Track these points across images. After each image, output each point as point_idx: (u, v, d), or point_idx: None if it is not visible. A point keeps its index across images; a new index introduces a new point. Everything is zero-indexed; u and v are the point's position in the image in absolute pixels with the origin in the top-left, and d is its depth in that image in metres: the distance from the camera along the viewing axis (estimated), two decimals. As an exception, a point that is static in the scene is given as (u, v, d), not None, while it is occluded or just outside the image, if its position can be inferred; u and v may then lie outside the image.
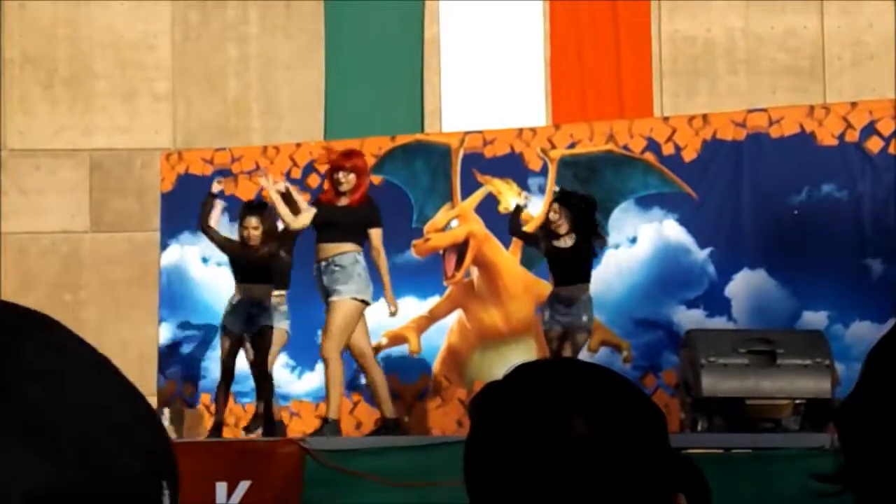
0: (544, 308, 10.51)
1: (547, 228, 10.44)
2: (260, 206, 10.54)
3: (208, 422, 11.90)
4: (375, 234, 9.56)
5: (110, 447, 0.88)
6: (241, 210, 10.54)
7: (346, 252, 9.42)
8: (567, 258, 10.28)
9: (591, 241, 10.31)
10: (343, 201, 9.61)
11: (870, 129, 11.35)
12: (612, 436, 1.36)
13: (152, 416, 0.93)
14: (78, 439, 0.86)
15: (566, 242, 10.32)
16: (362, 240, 9.53)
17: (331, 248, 9.43)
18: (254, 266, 10.27)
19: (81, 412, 0.88)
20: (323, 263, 9.45)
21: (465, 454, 1.40)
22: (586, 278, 10.32)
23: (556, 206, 10.43)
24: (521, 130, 12.23)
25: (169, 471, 0.92)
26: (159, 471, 0.91)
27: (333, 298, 9.34)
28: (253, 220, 10.36)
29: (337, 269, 9.36)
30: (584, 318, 10.21)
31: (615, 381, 1.42)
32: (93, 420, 0.88)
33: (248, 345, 10.37)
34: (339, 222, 9.50)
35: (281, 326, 10.70)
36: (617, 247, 11.61)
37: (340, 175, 9.57)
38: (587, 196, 10.55)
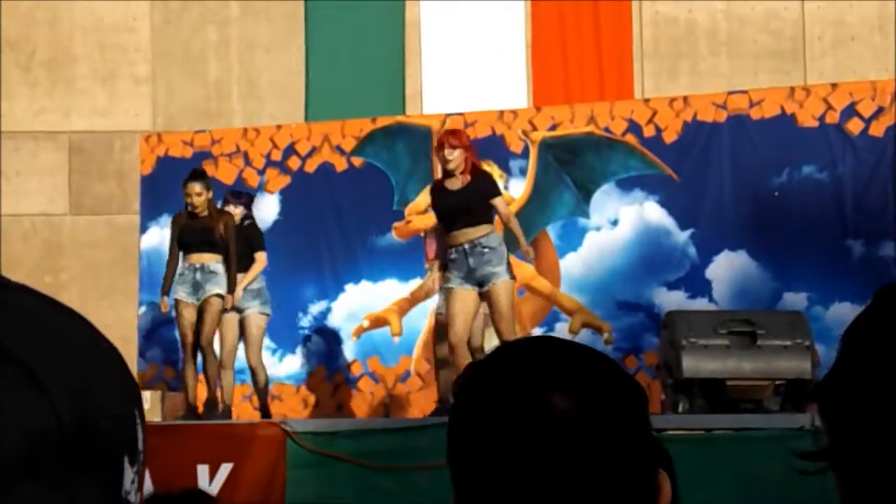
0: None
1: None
2: (202, 174, 10.47)
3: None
4: (500, 203, 9.42)
5: (90, 382, 0.89)
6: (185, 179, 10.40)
7: (488, 233, 9.28)
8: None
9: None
10: (455, 183, 9.38)
11: (850, 111, 11.37)
12: (593, 411, 1.36)
13: (114, 349, 0.94)
14: (62, 378, 0.87)
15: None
16: (491, 214, 9.40)
17: (470, 233, 9.24)
18: (198, 234, 10.19)
19: (59, 351, 0.89)
20: (466, 246, 9.21)
21: (448, 434, 1.40)
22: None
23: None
24: (502, 112, 12.21)
25: (138, 399, 0.93)
26: (131, 400, 0.92)
27: (496, 282, 9.18)
28: (196, 187, 10.24)
29: (487, 250, 9.19)
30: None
31: (595, 358, 1.42)
32: (70, 357, 0.89)
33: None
34: (463, 205, 9.28)
35: (255, 309, 10.65)
36: (598, 229, 11.62)
37: (446, 152, 9.41)
38: None
